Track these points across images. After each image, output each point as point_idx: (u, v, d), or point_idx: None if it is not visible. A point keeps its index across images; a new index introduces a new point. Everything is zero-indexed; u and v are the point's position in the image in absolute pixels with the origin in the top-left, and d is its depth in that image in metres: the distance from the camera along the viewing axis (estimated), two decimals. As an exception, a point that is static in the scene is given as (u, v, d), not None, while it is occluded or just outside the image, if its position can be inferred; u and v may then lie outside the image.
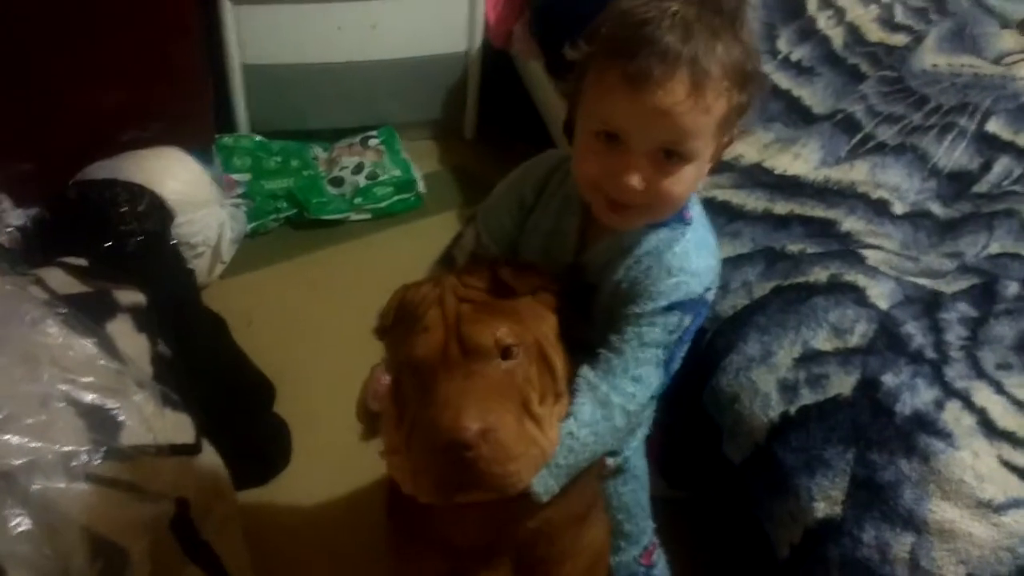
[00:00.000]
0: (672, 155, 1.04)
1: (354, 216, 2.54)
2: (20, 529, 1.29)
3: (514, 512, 1.11)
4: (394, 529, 1.25)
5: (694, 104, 1.00)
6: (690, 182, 1.07)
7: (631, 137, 1.03)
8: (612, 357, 1.10)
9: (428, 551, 1.17)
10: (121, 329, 1.61)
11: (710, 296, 1.15)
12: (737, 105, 1.05)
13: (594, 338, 1.13)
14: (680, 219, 1.14)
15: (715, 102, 1.02)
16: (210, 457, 1.62)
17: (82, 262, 1.74)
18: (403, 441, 1.05)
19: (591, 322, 1.16)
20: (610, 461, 1.26)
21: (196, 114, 2.36)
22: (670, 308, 1.10)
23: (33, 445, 1.35)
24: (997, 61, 2.11)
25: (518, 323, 1.04)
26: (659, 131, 1.02)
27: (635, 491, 1.36)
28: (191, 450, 1.57)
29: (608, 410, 1.08)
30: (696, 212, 1.17)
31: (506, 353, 1.01)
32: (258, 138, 2.62)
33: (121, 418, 1.47)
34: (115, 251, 1.87)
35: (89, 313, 1.58)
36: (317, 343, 2.16)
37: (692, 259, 1.12)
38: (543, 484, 1.06)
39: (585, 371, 1.10)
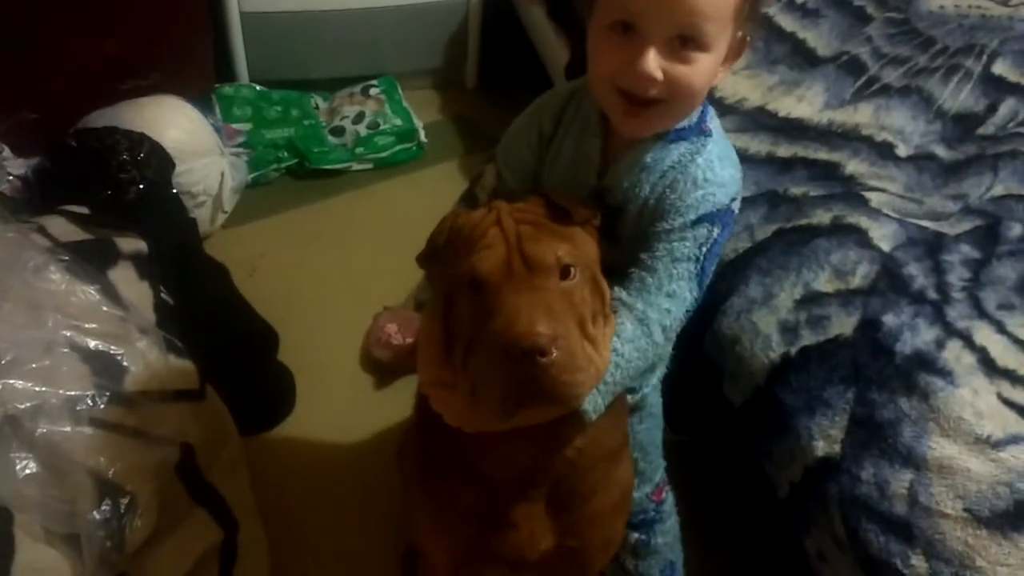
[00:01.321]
0: (688, 42, 1.03)
1: (355, 166, 2.53)
2: (26, 472, 1.31)
3: (555, 438, 1.11)
4: (423, 468, 1.24)
5: None
6: (707, 73, 1.06)
7: (646, 22, 1.02)
8: (645, 275, 1.10)
9: (462, 487, 1.17)
10: (123, 276, 1.62)
11: (736, 206, 1.15)
12: None
13: (622, 262, 1.13)
14: (700, 131, 1.13)
15: None
16: (214, 403, 1.63)
17: (83, 210, 1.75)
18: (458, 364, 1.04)
19: (618, 246, 1.15)
20: (628, 398, 1.27)
21: (195, 63, 2.35)
22: (699, 221, 1.10)
23: (38, 389, 1.37)
24: (1004, 2, 2.08)
25: (575, 244, 1.05)
26: (675, 12, 1.01)
27: (650, 429, 1.38)
28: (195, 396, 1.58)
29: (647, 327, 1.09)
30: (715, 125, 1.16)
31: (565, 272, 1.02)
32: (258, 87, 2.61)
33: (125, 364, 1.49)
34: (116, 199, 1.87)
35: (91, 260, 1.58)
36: (320, 292, 2.17)
37: (716, 169, 1.12)
38: (592, 402, 1.07)
39: (619, 292, 1.10)
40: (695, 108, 1.12)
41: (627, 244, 1.15)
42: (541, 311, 0.97)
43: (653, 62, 1.03)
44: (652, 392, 1.34)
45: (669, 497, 1.49)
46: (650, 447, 1.39)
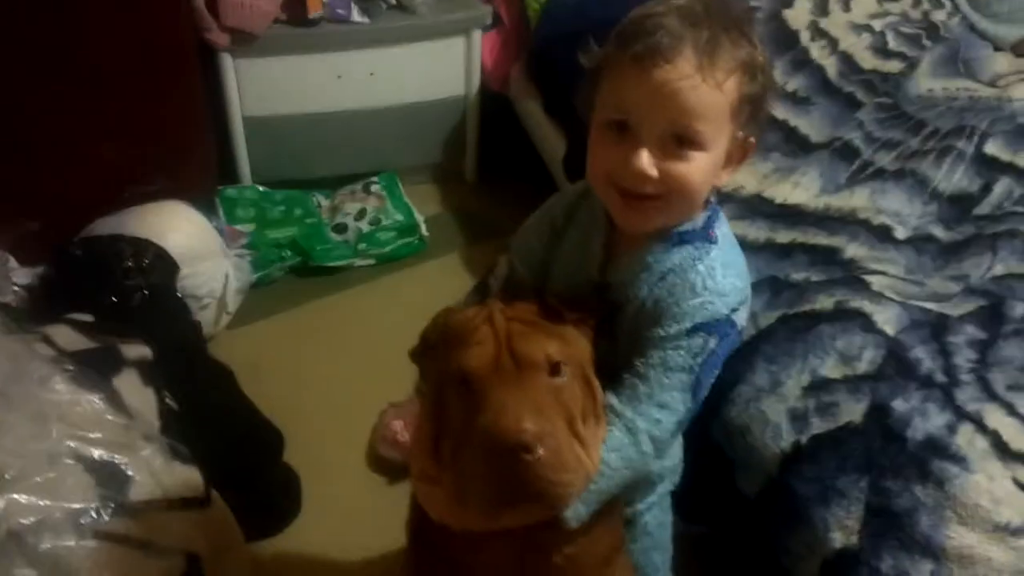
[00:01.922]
0: (683, 142, 1.04)
1: (358, 262, 2.55)
2: (30, 589, 1.28)
3: (540, 543, 1.10)
4: (416, 566, 1.24)
5: (702, 80, 1.01)
6: (703, 171, 1.06)
7: (640, 121, 1.04)
8: (637, 383, 1.09)
9: None
10: (128, 383, 1.61)
11: (738, 318, 1.12)
12: (749, 95, 1.06)
13: (617, 360, 1.12)
14: (705, 237, 1.12)
15: (724, 81, 1.02)
16: (220, 510, 1.61)
17: (88, 318, 1.75)
18: (447, 459, 1.03)
19: (615, 344, 1.14)
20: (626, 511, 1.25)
21: (198, 167, 2.38)
22: (695, 329, 1.08)
23: (42, 503, 1.35)
24: (992, 83, 2.12)
25: (566, 343, 1.05)
26: (668, 110, 1.02)
27: (647, 551, 1.32)
28: (200, 503, 1.56)
29: (635, 436, 1.07)
30: (723, 232, 1.15)
31: (555, 370, 1.02)
32: (261, 188, 2.65)
33: (129, 473, 1.47)
34: (120, 306, 1.88)
35: (96, 368, 1.58)
36: (325, 390, 2.16)
37: (718, 277, 1.10)
38: (573, 510, 1.05)
39: (610, 397, 1.09)
40: (695, 206, 1.11)
41: (624, 343, 1.14)
42: (528, 407, 0.96)
43: (646, 160, 1.04)
44: (649, 511, 1.29)
45: None
46: (648, 569, 1.33)
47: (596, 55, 1.10)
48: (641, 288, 1.12)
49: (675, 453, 1.31)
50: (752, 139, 1.12)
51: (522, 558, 1.11)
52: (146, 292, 1.92)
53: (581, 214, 1.22)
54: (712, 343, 1.09)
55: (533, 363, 1.00)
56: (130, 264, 1.93)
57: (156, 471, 1.51)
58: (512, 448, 0.93)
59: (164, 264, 2.00)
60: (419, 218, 2.66)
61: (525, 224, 1.29)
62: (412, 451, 1.16)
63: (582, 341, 1.09)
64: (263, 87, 2.53)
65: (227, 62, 2.45)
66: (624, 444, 1.06)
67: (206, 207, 2.31)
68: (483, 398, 0.99)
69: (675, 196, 1.07)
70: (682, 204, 1.10)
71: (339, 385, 2.17)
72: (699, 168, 1.06)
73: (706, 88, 1.01)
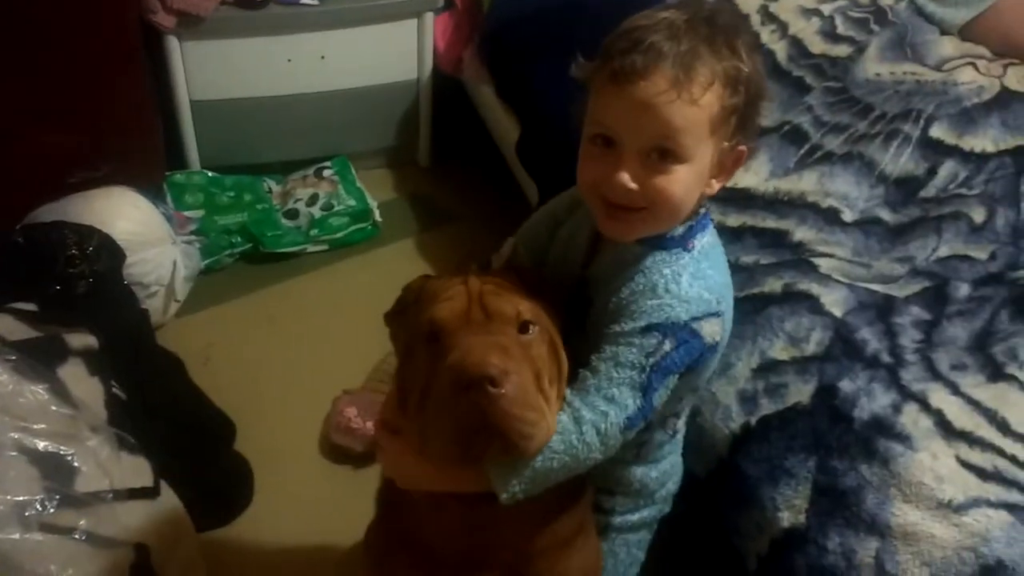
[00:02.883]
0: (665, 155, 1.06)
1: (311, 248, 2.52)
2: (-27, 584, 1.26)
3: (491, 518, 1.11)
4: (374, 556, 1.25)
5: (677, 95, 1.02)
6: (686, 184, 1.08)
7: (622, 135, 1.06)
8: (588, 375, 1.10)
9: (413, 565, 1.17)
10: (73, 373, 1.59)
11: (701, 329, 1.11)
12: (731, 106, 1.07)
13: (584, 355, 1.12)
14: (681, 245, 1.14)
15: (701, 96, 1.04)
16: (169, 500, 1.60)
17: (31, 307, 1.72)
18: (412, 409, 1.05)
19: (585, 340, 1.15)
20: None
21: (145, 153, 2.34)
22: (648, 328, 1.09)
23: (-16, 497, 1.32)
24: (938, 67, 2.14)
25: (535, 304, 1.08)
26: (646, 125, 1.04)
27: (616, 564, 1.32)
28: (149, 494, 1.55)
29: (579, 424, 1.07)
30: (703, 243, 1.15)
31: (524, 328, 1.05)
32: (210, 174, 2.60)
33: (76, 464, 1.45)
34: (65, 294, 1.84)
35: (40, 358, 1.55)
36: (277, 378, 2.14)
37: (683, 284, 1.11)
38: (508, 488, 1.05)
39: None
40: (678, 217, 1.12)
41: (592, 339, 1.14)
42: (494, 347, 0.99)
43: (627, 174, 1.07)
44: (621, 535, 1.30)
45: None
46: None
47: (585, 68, 1.12)
48: (612, 285, 1.14)
49: (668, 474, 1.32)
50: (743, 147, 1.13)
51: (472, 530, 1.13)
52: (91, 280, 1.88)
53: (582, 210, 1.23)
54: (667, 346, 1.09)
55: (503, 316, 1.04)
56: (74, 252, 1.89)
57: (103, 462, 1.49)
58: (478, 380, 0.96)
59: (109, 251, 1.96)
60: (372, 203, 2.63)
61: (534, 215, 1.33)
62: (382, 409, 1.19)
63: (553, 314, 1.11)
64: (211, 70, 2.48)
65: (173, 45, 2.39)
66: (568, 430, 1.07)
67: (153, 193, 2.27)
68: (451, 344, 1.01)
69: (658, 208, 1.09)
70: (665, 215, 1.11)
71: (291, 373, 2.15)
72: (680, 181, 1.07)
73: (682, 103, 1.03)
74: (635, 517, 1.30)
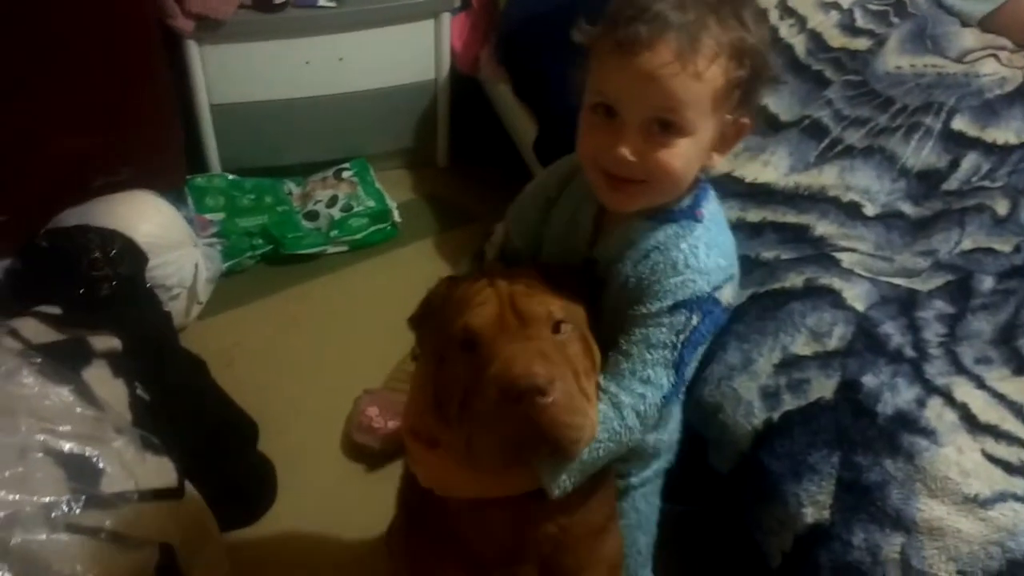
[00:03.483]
0: (667, 127, 1.04)
1: (330, 249, 2.53)
2: (1, 584, 1.27)
3: (534, 514, 1.12)
4: (413, 543, 1.24)
5: (682, 68, 1.01)
6: (686, 156, 1.07)
7: (623, 106, 1.05)
8: (621, 359, 1.10)
9: (450, 563, 1.17)
10: (98, 375, 1.60)
11: (722, 296, 1.12)
12: (736, 79, 1.05)
13: (600, 336, 1.12)
14: (691, 216, 1.13)
15: (707, 69, 1.02)
16: (194, 500, 1.60)
17: (56, 310, 1.73)
18: (452, 419, 1.04)
19: (599, 321, 1.15)
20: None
21: (166, 157, 2.35)
22: (676, 307, 1.09)
23: (12, 498, 1.34)
24: (959, 59, 2.12)
25: (566, 303, 1.07)
26: (649, 97, 1.03)
27: (632, 528, 1.32)
28: (174, 494, 1.55)
29: (619, 411, 1.08)
30: (710, 210, 1.15)
31: (557, 328, 1.04)
32: (231, 177, 2.62)
33: (101, 465, 1.46)
34: (89, 297, 1.86)
35: (65, 361, 1.56)
36: (299, 378, 2.15)
37: (701, 256, 1.10)
38: (558, 481, 1.06)
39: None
40: (680, 189, 1.12)
41: (607, 320, 1.14)
42: (536, 355, 0.98)
43: (627, 148, 1.05)
44: (641, 487, 1.30)
45: None
46: (630, 548, 1.33)
47: (587, 33, 1.10)
48: (626, 264, 1.13)
49: (673, 429, 1.32)
50: (746, 120, 1.11)
51: (517, 531, 1.12)
52: (114, 283, 1.90)
53: (574, 186, 1.22)
54: (695, 320, 1.10)
55: (536, 318, 1.03)
56: (97, 255, 1.91)
57: (128, 463, 1.50)
58: (526, 391, 0.95)
59: (132, 254, 1.98)
60: (391, 204, 2.64)
61: (522, 193, 1.30)
62: (405, 415, 1.18)
63: (581, 306, 1.11)
64: (230, 74, 2.50)
65: (193, 49, 2.42)
66: (609, 417, 1.07)
67: (174, 196, 2.29)
68: (491, 353, 1.00)
69: (658, 181, 1.08)
70: (666, 187, 1.10)
71: (313, 373, 2.16)
72: (681, 154, 1.06)
73: (686, 76, 1.01)
74: (649, 472, 1.30)
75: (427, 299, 1.15)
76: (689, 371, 1.13)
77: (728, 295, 1.14)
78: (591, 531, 1.17)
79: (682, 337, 1.09)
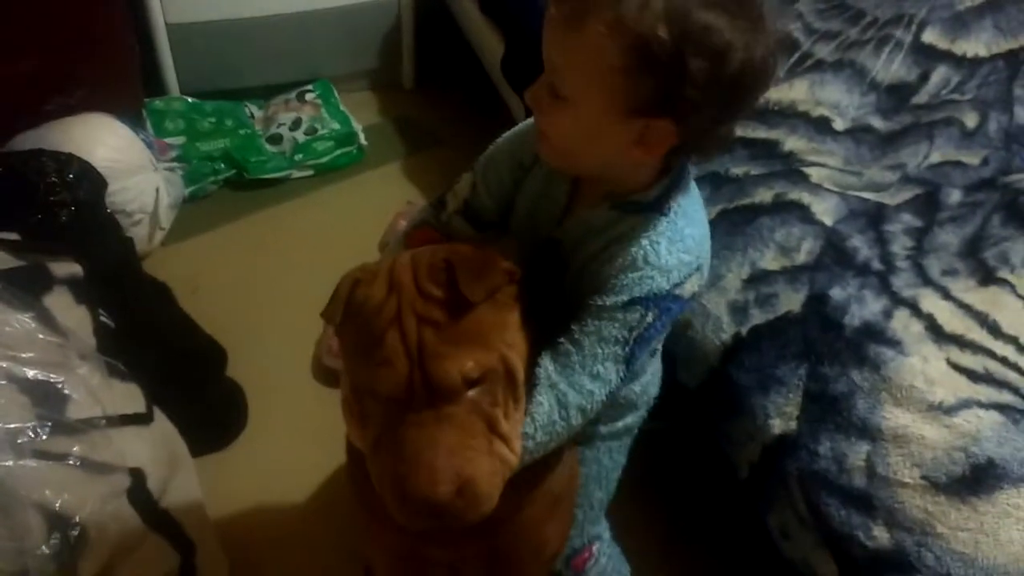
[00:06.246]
0: (552, 88, 1.01)
1: (295, 173, 2.49)
2: (-32, 511, 1.26)
3: None
4: (359, 481, 1.22)
5: (568, 29, 0.95)
6: (564, 128, 1.02)
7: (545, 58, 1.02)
8: (572, 351, 1.05)
9: (388, 526, 1.12)
10: (59, 302, 1.57)
11: (683, 291, 1.07)
12: (626, 68, 0.94)
13: (560, 313, 1.09)
14: (656, 208, 1.07)
15: (595, 41, 0.93)
16: (163, 425, 1.59)
17: (14, 236, 1.69)
18: (368, 439, 1.01)
19: (560, 297, 1.11)
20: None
21: (122, 78, 2.28)
22: (631, 303, 1.04)
23: (-25, 425, 1.32)
24: (930, -29, 2.10)
25: (483, 347, 0.98)
26: (546, 49, 1.00)
27: (588, 481, 1.29)
28: (143, 419, 1.54)
29: (565, 410, 1.04)
30: (678, 204, 1.07)
31: (473, 384, 0.97)
32: (190, 99, 2.55)
33: (66, 392, 1.44)
34: (47, 223, 1.81)
35: (24, 287, 1.53)
36: (266, 303, 2.13)
37: (662, 252, 1.05)
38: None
39: (546, 363, 1.05)
40: (579, 162, 1.07)
41: (569, 297, 1.10)
42: (444, 454, 0.93)
43: (529, 95, 1.04)
44: (608, 439, 1.28)
45: (597, 566, 1.40)
46: (583, 502, 1.30)
47: None
48: (586, 249, 1.09)
49: (648, 382, 1.27)
50: (670, 128, 0.98)
51: None
52: (73, 208, 1.85)
53: None
54: (650, 317, 1.05)
55: (448, 388, 0.95)
56: (54, 180, 1.85)
57: (94, 389, 1.48)
58: (425, 503, 0.93)
59: (90, 179, 1.92)
60: (357, 127, 2.59)
61: (495, 147, 1.22)
62: (343, 406, 1.10)
63: (503, 322, 1.01)
64: (186, -8, 2.42)
65: (147, -34, 2.33)
66: (554, 419, 1.04)
67: (132, 120, 2.22)
68: (396, 428, 0.96)
69: (551, 140, 1.06)
70: (561, 153, 1.06)
71: (281, 298, 2.14)
72: (560, 123, 1.02)
73: (571, 40, 0.96)
74: (619, 424, 1.27)
75: (333, 302, 1.06)
76: (639, 365, 1.10)
77: (691, 287, 1.08)
78: (549, 502, 1.16)
79: (635, 334, 1.05)
